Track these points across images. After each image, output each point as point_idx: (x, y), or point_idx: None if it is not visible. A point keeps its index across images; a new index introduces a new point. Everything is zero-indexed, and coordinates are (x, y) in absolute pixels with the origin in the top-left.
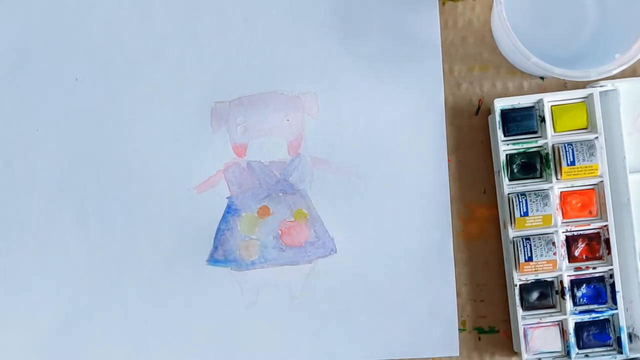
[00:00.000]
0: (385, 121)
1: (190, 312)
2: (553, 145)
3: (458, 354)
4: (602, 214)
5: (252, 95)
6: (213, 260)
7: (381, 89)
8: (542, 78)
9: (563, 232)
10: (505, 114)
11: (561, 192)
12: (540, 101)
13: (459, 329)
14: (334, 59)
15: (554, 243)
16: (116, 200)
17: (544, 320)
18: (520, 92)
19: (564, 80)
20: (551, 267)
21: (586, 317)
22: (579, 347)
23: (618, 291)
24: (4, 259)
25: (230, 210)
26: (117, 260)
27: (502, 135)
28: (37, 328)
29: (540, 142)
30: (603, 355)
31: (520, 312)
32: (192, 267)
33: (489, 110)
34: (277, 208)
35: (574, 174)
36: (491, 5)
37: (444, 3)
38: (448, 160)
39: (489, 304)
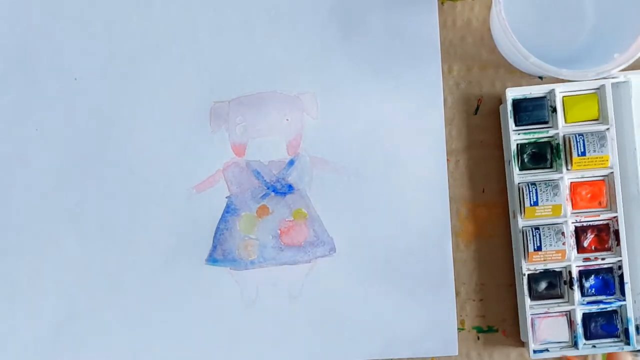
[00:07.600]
0: (384, 121)
1: (189, 311)
2: (564, 135)
3: (457, 353)
4: (611, 206)
5: (251, 95)
6: (212, 259)
7: (380, 89)
8: (540, 78)
9: (572, 223)
10: (517, 103)
11: (571, 182)
12: (552, 91)
13: (457, 329)
14: (333, 59)
15: (563, 233)
16: (115, 200)
17: (551, 310)
18: None
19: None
20: (560, 257)
21: (594, 308)
22: (587, 338)
23: (626, 283)
24: (2, 259)
25: (230, 210)
26: (116, 260)
27: (513, 125)
28: (36, 328)
29: (551, 132)
30: (610, 346)
31: (528, 301)
32: (191, 267)
33: (489, 110)
34: (276, 208)
35: (585, 165)
36: (490, 5)
37: (442, 3)
38: (447, 159)
39: (488, 304)
